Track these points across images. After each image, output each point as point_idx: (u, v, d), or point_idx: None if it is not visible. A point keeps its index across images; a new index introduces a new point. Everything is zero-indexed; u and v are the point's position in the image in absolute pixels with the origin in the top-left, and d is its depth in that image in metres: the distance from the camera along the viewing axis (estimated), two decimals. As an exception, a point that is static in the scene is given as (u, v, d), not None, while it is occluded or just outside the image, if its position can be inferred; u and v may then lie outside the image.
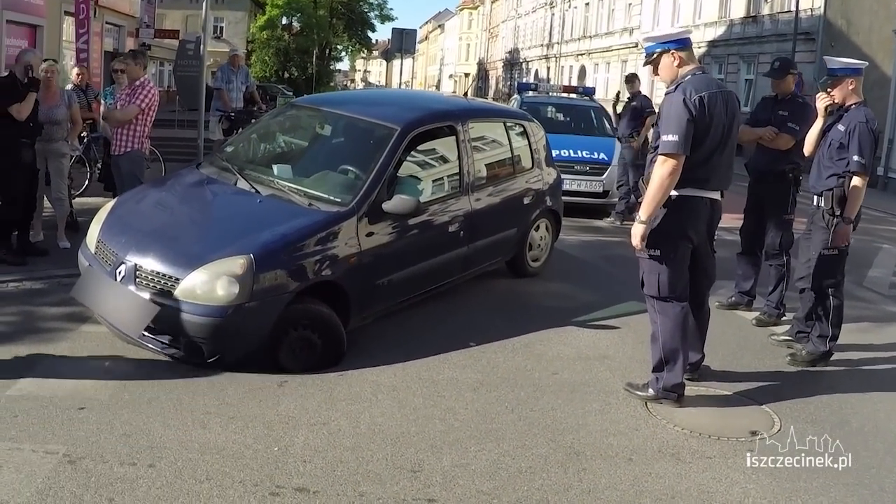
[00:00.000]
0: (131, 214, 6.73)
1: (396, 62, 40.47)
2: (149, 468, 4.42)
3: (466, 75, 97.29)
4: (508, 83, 72.67)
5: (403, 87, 46.66)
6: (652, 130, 6.00)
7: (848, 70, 6.69)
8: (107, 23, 28.50)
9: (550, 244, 9.39)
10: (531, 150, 8.96)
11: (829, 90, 6.72)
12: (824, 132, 6.75)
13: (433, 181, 7.69)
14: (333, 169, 7.18)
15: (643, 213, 5.48)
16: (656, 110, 8.29)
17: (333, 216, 6.36)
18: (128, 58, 9.26)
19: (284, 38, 70.07)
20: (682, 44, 5.61)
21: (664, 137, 5.37)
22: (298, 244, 6.08)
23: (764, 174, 7.85)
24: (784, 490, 4.73)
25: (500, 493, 4.46)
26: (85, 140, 12.10)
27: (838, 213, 6.47)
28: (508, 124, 8.90)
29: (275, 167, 7.23)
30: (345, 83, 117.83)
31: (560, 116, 16.35)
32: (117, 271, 5.98)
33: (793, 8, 28.85)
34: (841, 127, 6.55)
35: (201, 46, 15.31)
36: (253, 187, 6.71)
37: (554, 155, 9.88)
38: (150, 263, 5.87)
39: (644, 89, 15.89)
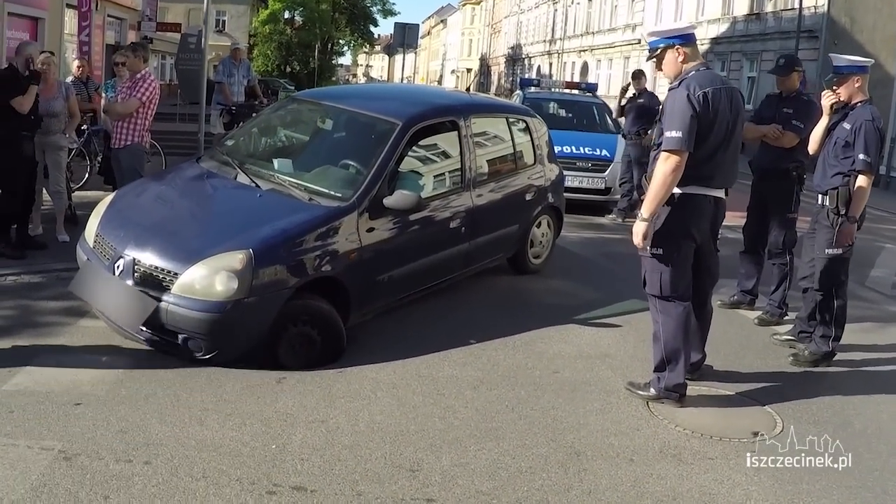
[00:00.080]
0: (130, 208, 6.69)
1: (398, 57, 40.40)
2: (145, 465, 4.37)
3: (468, 71, 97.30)
4: (511, 79, 72.57)
5: (405, 82, 46.54)
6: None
7: (854, 68, 6.63)
8: (108, 16, 28.47)
9: (552, 241, 9.34)
10: (533, 145, 8.90)
11: (834, 88, 6.67)
12: (829, 130, 6.70)
13: (435, 176, 7.65)
14: (334, 164, 7.14)
15: (645, 210, 5.43)
16: None
17: (334, 211, 6.31)
18: (128, 50, 9.21)
19: (286, 32, 69.93)
20: (686, 39, 5.56)
21: (667, 134, 5.31)
22: (298, 239, 6.03)
23: (767, 172, 7.80)
24: (786, 492, 4.68)
25: (500, 493, 4.41)
26: (85, 133, 12.04)
27: (843, 212, 6.42)
28: (511, 120, 8.85)
29: (275, 161, 7.18)
30: (347, 78, 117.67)
31: (562, 113, 16.30)
32: (116, 265, 5.94)
33: (796, 5, 28.80)
34: (847, 125, 6.50)
35: (202, 40, 15.26)
36: (253, 181, 6.67)
37: (556, 151, 9.83)
38: (149, 258, 5.82)
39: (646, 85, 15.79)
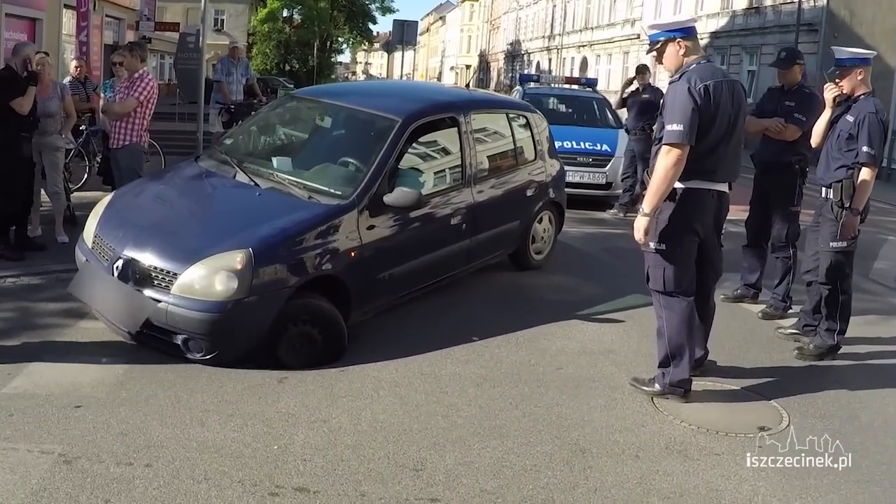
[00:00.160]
0: (129, 209, 6.65)
1: (397, 54, 40.40)
2: (146, 468, 4.33)
3: (468, 67, 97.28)
4: (510, 75, 72.58)
5: (405, 79, 46.52)
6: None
7: (856, 60, 6.58)
8: (107, 16, 28.41)
9: (553, 237, 9.30)
10: (534, 141, 8.86)
11: (837, 80, 6.62)
12: (832, 123, 6.65)
13: (435, 173, 7.60)
14: (334, 161, 7.10)
15: (647, 205, 5.37)
16: None
17: (334, 209, 6.27)
18: (125, 50, 9.19)
19: (285, 30, 69.99)
20: (687, 32, 5.51)
21: (668, 127, 5.25)
22: (298, 238, 5.99)
23: (770, 166, 7.75)
24: (794, 487, 4.64)
25: (505, 491, 4.37)
26: (84, 134, 12.00)
27: (847, 205, 6.37)
28: (511, 115, 8.80)
29: (274, 160, 7.13)
30: (346, 75, 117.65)
31: (562, 108, 16.26)
32: (114, 266, 5.89)
33: (795, -1, 28.78)
34: (850, 118, 6.45)
35: (200, 39, 15.23)
36: (252, 180, 6.63)
37: (556, 146, 9.79)
38: (148, 258, 5.78)
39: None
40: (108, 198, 6.94)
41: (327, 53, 76.56)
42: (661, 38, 5.53)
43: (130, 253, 5.85)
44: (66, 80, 11.88)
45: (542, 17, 67.76)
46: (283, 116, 8.51)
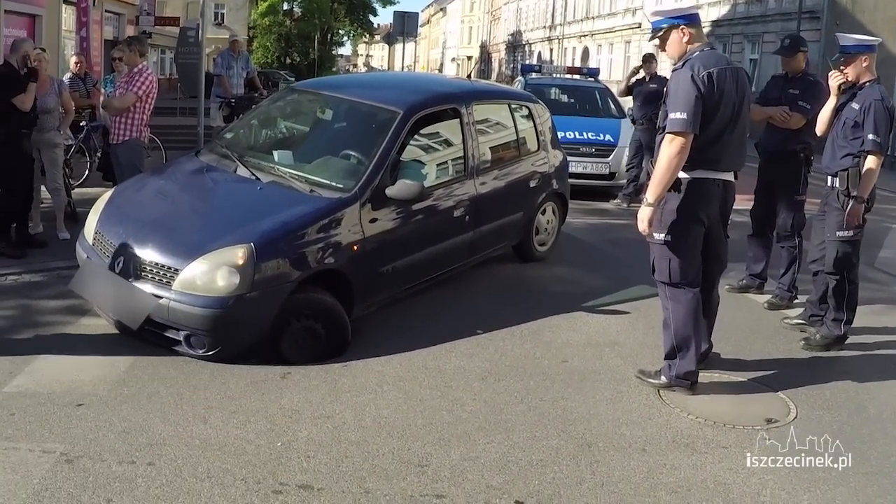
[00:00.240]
0: (129, 204, 6.61)
1: (398, 46, 40.22)
2: (148, 466, 4.29)
3: (469, 59, 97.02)
4: (511, 66, 72.45)
5: (406, 70, 46.43)
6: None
7: (861, 47, 6.52)
8: (106, 11, 28.45)
9: (557, 228, 9.25)
10: (537, 132, 8.80)
11: (841, 68, 6.56)
12: (838, 111, 6.59)
13: (437, 165, 7.55)
14: (335, 154, 7.04)
15: (650, 195, 5.32)
16: None
17: (335, 202, 6.22)
18: (124, 45, 9.14)
19: (286, 23, 69.91)
20: (691, 20, 5.44)
21: (672, 115, 5.19)
22: (300, 232, 5.94)
23: (774, 154, 7.70)
24: (802, 480, 4.59)
25: (511, 487, 4.33)
26: (84, 129, 11.97)
27: (854, 193, 6.31)
28: (513, 106, 8.75)
29: (275, 153, 7.09)
30: (347, 68, 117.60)
31: (564, 98, 16.18)
32: (115, 263, 5.86)
33: (797, -14, 28.66)
34: (855, 105, 6.39)
35: (200, 33, 15.19)
36: (253, 174, 6.58)
37: (559, 137, 9.73)
38: (149, 254, 5.75)
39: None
40: (108, 194, 6.91)
41: (328, 46, 76.51)
42: (665, 25, 5.46)
43: (131, 249, 5.82)
44: (67, 76, 11.82)
45: (542, 8, 67.61)
46: (284, 109, 8.46)
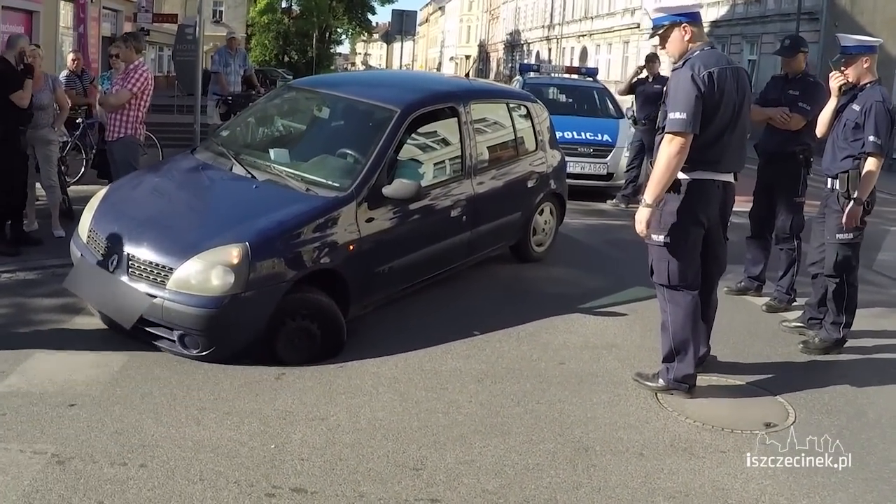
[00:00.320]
0: (124, 202, 6.56)
1: (397, 45, 40.27)
2: (140, 468, 4.24)
3: (467, 58, 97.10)
4: (509, 65, 72.45)
5: (404, 69, 46.45)
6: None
7: (862, 47, 6.48)
8: (104, 7, 28.37)
9: (555, 228, 9.21)
10: (535, 131, 8.76)
11: (842, 69, 6.52)
12: (838, 112, 6.55)
13: (434, 164, 7.51)
14: (332, 153, 6.99)
15: (649, 195, 5.26)
16: None
17: (332, 202, 6.17)
18: (121, 41, 9.10)
19: (284, 21, 69.86)
20: (693, 18, 5.39)
21: (671, 115, 5.14)
22: (296, 231, 5.90)
23: (774, 155, 7.66)
24: (801, 486, 4.54)
25: (507, 491, 4.28)
26: (80, 126, 11.92)
27: (854, 195, 6.27)
28: (511, 105, 8.70)
29: (271, 152, 7.04)
30: (345, 66, 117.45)
31: (563, 98, 16.14)
32: (110, 261, 5.81)
33: (796, -13, 28.63)
34: (856, 106, 6.34)
35: (197, 30, 15.16)
36: (249, 173, 6.53)
37: (557, 137, 9.68)
38: (143, 253, 5.70)
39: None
40: (103, 191, 6.86)
41: (326, 44, 76.43)
42: (666, 23, 5.40)
43: (126, 248, 5.77)
44: (64, 73, 11.79)
45: (541, 7, 67.57)
46: (281, 107, 8.40)
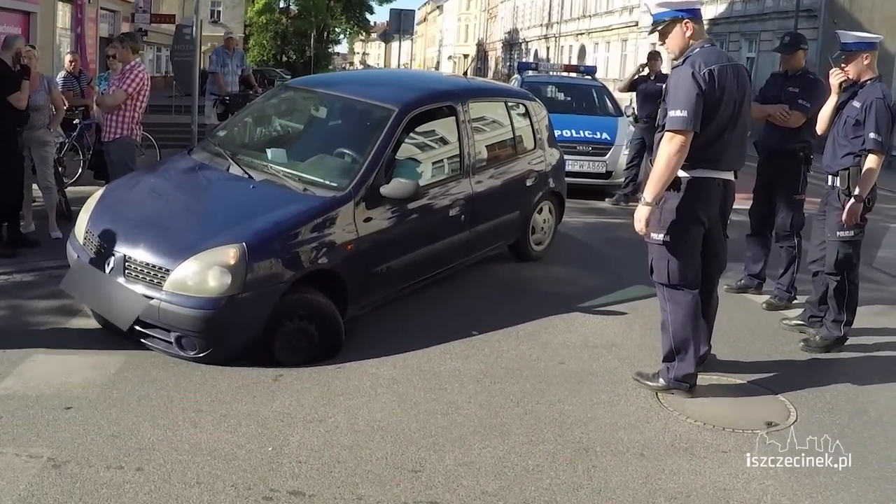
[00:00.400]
0: (120, 203, 6.52)
1: (395, 44, 40.22)
2: (137, 472, 4.20)
3: (465, 57, 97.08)
4: (508, 64, 72.41)
5: (402, 68, 46.43)
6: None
7: (862, 44, 6.45)
8: (102, 8, 28.35)
9: (554, 227, 9.18)
10: (533, 130, 8.72)
11: (842, 66, 6.48)
12: (838, 109, 6.51)
13: (433, 163, 7.47)
14: (329, 152, 6.95)
15: (648, 194, 5.22)
16: None
17: (329, 201, 6.13)
18: (117, 42, 9.07)
19: (282, 21, 69.86)
20: (695, 14, 5.34)
21: (672, 113, 5.10)
22: (293, 231, 5.86)
23: (773, 153, 7.63)
24: (803, 486, 4.51)
25: (507, 493, 4.24)
26: (78, 127, 11.90)
27: (855, 192, 6.23)
28: (510, 104, 8.67)
29: (268, 151, 7.00)
30: (343, 66, 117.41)
31: (561, 96, 16.10)
32: (106, 262, 5.77)
33: (795, -16, 28.58)
34: (856, 103, 6.30)
35: (194, 30, 15.14)
36: (246, 173, 6.49)
37: (556, 135, 9.65)
38: (140, 254, 5.66)
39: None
40: (99, 192, 6.82)
41: (324, 44, 76.47)
42: (668, 18, 5.36)
43: (122, 249, 5.73)
44: (61, 74, 11.76)
45: (539, 6, 67.52)
46: (278, 107, 8.36)
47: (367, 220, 6.28)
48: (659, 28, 5.42)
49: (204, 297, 5.41)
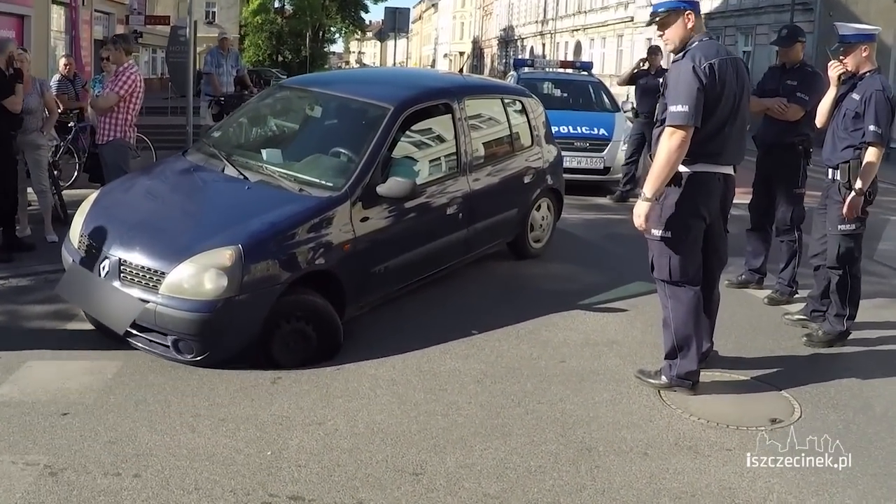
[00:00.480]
0: (115, 206, 6.46)
1: (390, 43, 40.24)
2: (134, 478, 4.15)
3: (461, 54, 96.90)
4: (504, 61, 72.33)
5: (398, 66, 46.42)
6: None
7: (861, 36, 6.39)
8: (96, 10, 28.26)
9: (552, 224, 9.12)
10: (530, 126, 8.67)
11: (841, 58, 6.43)
12: (838, 102, 6.46)
13: (429, 162, 7.41)
14: (325, 152, 6.91)
15: (648, 189, 5.17)
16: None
17: (325, 202, 6.08)
18: (110, 44, 9.01)
19: (277, 21, 69.85)
20: (695, 6, 5.29)
21: (672, 108, 5.05)
22: (289, 232, 5.80)
23: (772, 147, 7.58)
24: (809, 484, 4.46)
25: (509, 495, 4.19)
26: (73, 130, 11.85)
27: (855, 185, 6.18)
28: (506, 101, 8.61)
29: (263, 152, 6.94)
30: (339, 65, 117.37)
31: (558, 92, 16.05)
32: (101, 266, 5.72)
33: (790, -23, 28.51)
34: (856, 96, 6.25)
35: (188, 31, 15.11)
36: (241, 174, 6.44)
37: (553, 131, 9.59)
38: (135, 257, 5.60)
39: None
40: (94, 195, 6.76)
41: (320, 43, 76.49)
42: (668, 9, 5.30)
43: (117, 252, 5.68)
44: (56, 77, 11.71)
45: (534, 2, 67.42)
46: (273, 107, 8.29)
47: (364, 219, 6.22)
48: (658, 18, 5.34)
49: (200, 300, 5.35)
